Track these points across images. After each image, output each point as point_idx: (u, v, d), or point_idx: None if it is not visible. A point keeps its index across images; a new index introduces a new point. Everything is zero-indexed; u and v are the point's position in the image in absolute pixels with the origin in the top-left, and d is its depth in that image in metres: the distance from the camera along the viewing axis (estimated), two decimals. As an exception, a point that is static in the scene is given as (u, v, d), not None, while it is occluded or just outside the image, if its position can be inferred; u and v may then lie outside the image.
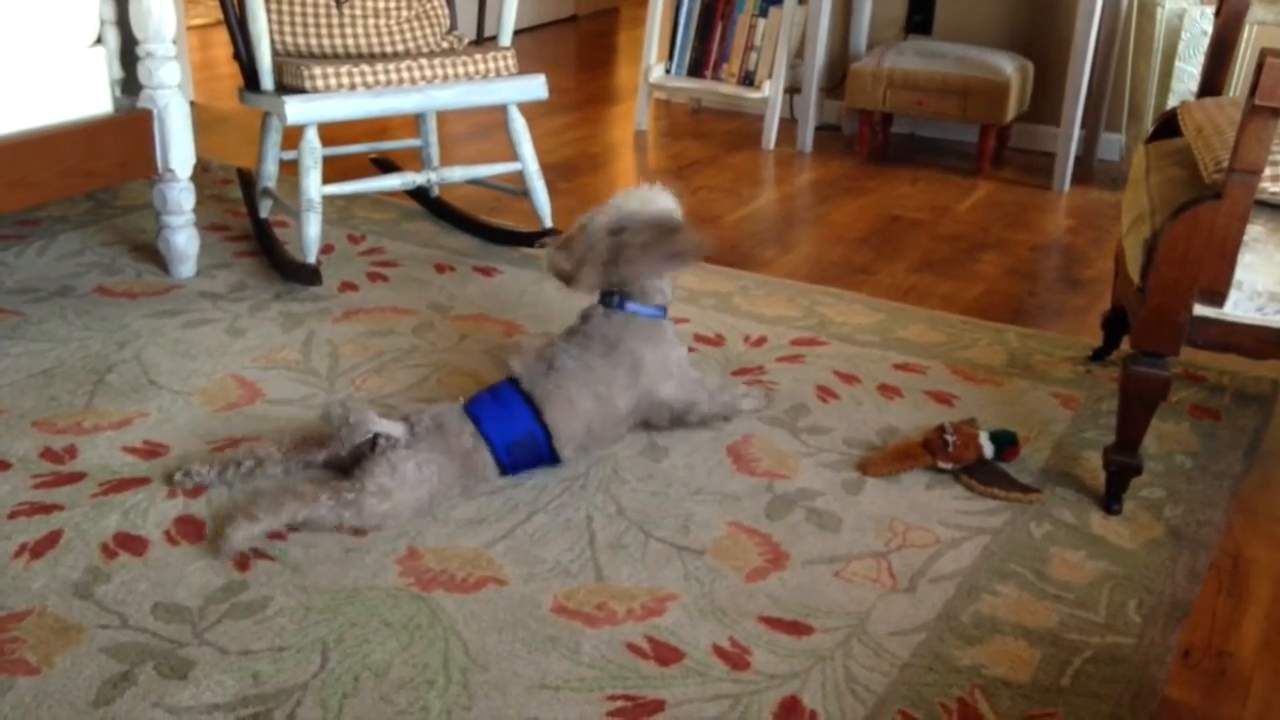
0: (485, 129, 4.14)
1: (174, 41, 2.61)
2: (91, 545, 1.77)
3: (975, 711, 1.52)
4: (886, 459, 2.06)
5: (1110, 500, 1.98)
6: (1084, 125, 3.84)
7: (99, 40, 2.62)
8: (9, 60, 2.44)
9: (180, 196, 2.72)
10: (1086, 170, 3.94)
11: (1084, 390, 2.40)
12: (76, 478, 1.95)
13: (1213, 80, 2.34)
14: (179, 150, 2.67)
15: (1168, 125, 2.36)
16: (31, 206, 2.94)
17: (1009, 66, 3.80)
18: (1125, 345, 2.49)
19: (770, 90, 4.10)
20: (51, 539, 1.78)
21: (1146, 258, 1.86)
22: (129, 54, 2.67)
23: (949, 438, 2.03)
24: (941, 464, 2.03)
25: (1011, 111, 3.83)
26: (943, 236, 3.34)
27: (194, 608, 1.64)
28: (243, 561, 1.74)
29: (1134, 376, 1.90)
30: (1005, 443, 2.08)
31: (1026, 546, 1.87)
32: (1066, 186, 3.75)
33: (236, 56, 2.80)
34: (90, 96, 2.59)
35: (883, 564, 1.81)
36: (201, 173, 2.89)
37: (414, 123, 3.28)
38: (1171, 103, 3.80)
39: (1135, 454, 1.95)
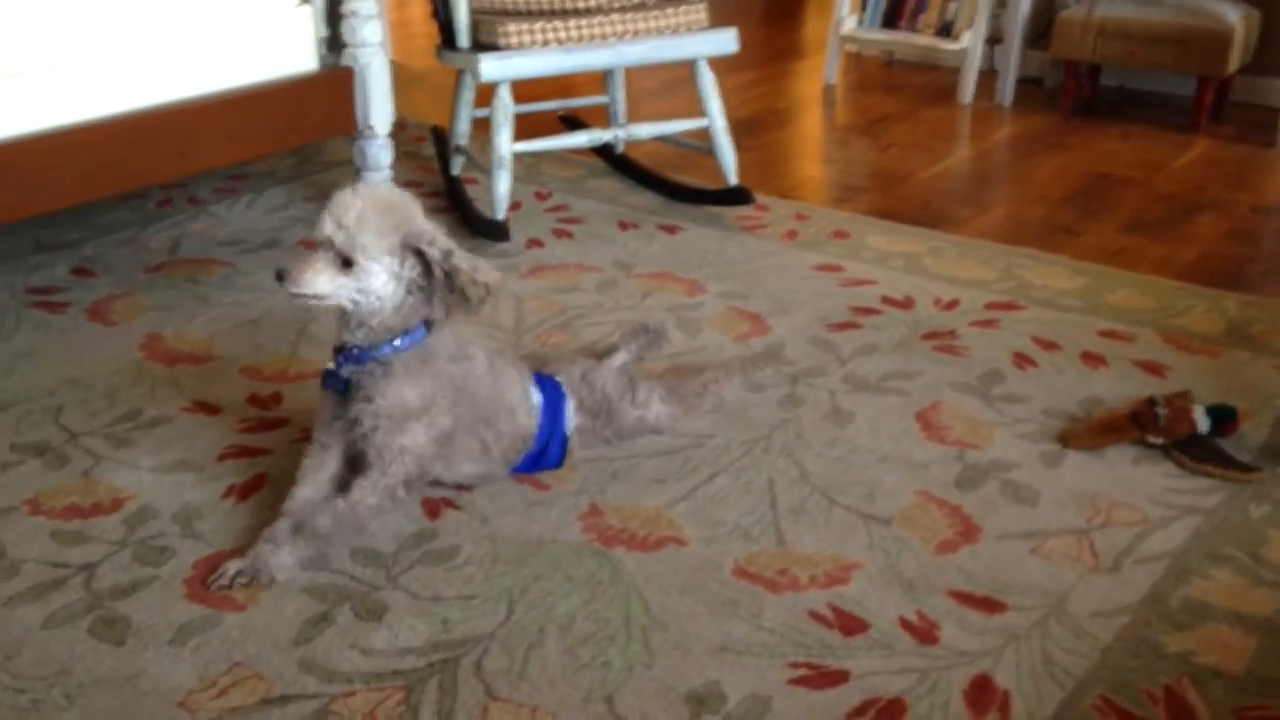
0: (671, 84, 4.11)
1: (376, 0, 2.68)
2: (294, 488, 1.84)
3: (1184, 701, 1.43)
4: (1090, 431, 1.95)
5: (1341, 484, 1.83)
6: (1318, 76, 3.54)
7: None
8: (224, 19, 2.55)
9: (379, 153, 2.80)
10: (1318, 125, 3.64)
11: (1312, 364, 2.22)
12: (281, 423, 2.03)
13: None
14: (379, 107, 2.75)
15: None
16: (243, 161, 3.08)
17: (1232, 14, 3.54)
18: (1361, 316, 2.29)
19: (970, 41, 3.92)
20: (257, 481, 1.87)
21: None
22: (333, 13, 2.75)
23: (1160, 411, 1.91)
24: (1151, 438, 1.91)
25: (1234, 62, 3.57)
26: (1155, 196, 3.14)
27: (388, 553, 1.70)
28: (433, 510, 1.79)
29: (1375, 350, 1.74)
30: (1222, 417, 1.95)
31: (1243, 528, 1.74)
32: (1295, 143, 3.47)
33: (435, 14, 2.86)
34: (298, 54, 2.68)
35: (1084, 542, 1.72)
36: (397, 130, 2.97)
37: (601, 79, 3.28)
38: None
39: (1372, 435, 1.79)
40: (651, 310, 2.45)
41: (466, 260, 1.66)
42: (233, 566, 1.62)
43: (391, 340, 1.69)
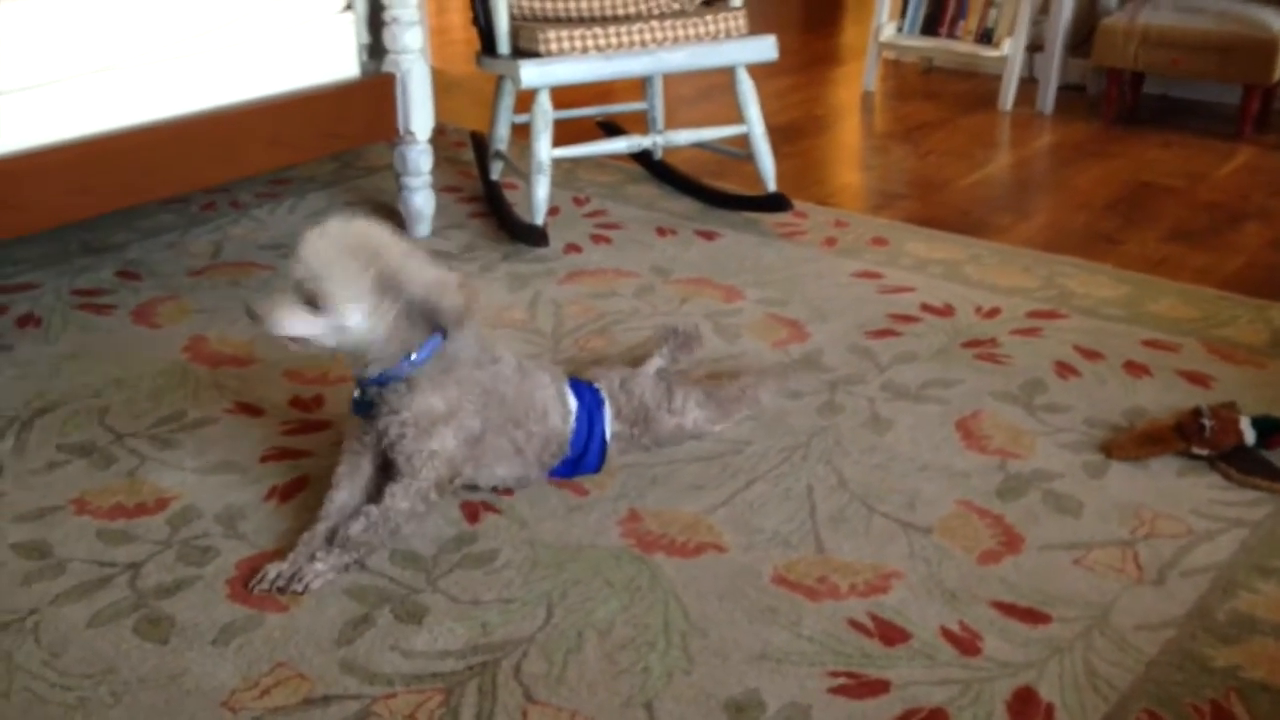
0: (709, 91, 4.11)
1: (417, 6, 2.69)
2: (335, 490, 1.85)
3: (1230, 716, 1.41)
4: (1134, 442, 1.93)
5: (1392, 498, 1.79)
6: (1366, 83, 3.49)
7: (349, 5, 2.73)
8: (268, 25, 2.57)
9: (419, 159, 2.81)
10: (1366, 133, 3.59)
11: (1361, 375, 2.19)
12: (323, 425, 2.05)
13: None
14: (419, 113, 2.76)
15: None
16: (285, 166, 3.11)
17: (1278, 23, 3.49)
18: None
19: (1010, 48, 3.90)
20: (299, 483, 1.88)
21: None
22: (375, 19, 2.77)
23: (1206, 421, 1.89)
24: (1196, 449, 1.89)
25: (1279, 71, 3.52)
26: (1198, 205, 3.10)
27: (428, 556, 1.70)
28: (473, 513, 1.80)
29: None
30: (1269, 429, 1.92)
31: (1291, 543, 1.72)
32: (1342, 151, 3.42)
33: (475, 21, 2.87)
34: (340, 61, 2.70)
35: (1128, 553, 1.70)
36: (437, 135, 2.99)
37: (639, 85, 3.29)
38: None
39: None
40: (689, 316, 2.44)
41: (440, 286, 1.62)
42: (272, 570, 1.63)
43: (408, 357, 1.67)
